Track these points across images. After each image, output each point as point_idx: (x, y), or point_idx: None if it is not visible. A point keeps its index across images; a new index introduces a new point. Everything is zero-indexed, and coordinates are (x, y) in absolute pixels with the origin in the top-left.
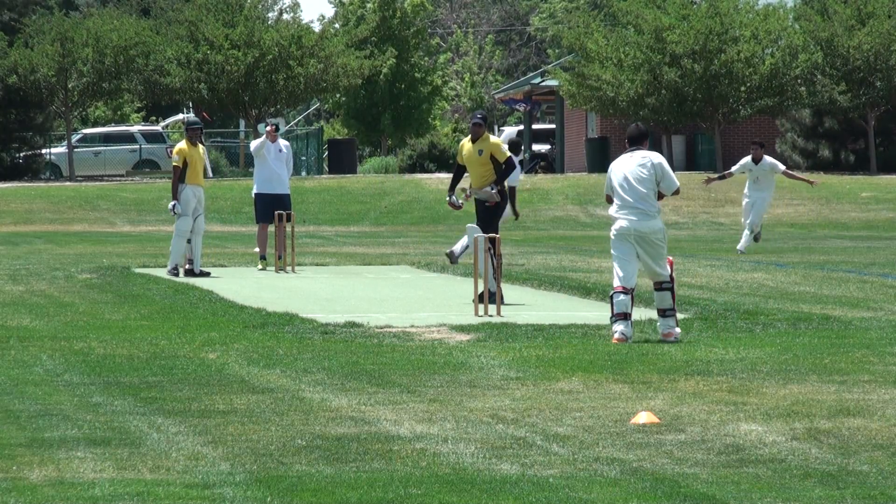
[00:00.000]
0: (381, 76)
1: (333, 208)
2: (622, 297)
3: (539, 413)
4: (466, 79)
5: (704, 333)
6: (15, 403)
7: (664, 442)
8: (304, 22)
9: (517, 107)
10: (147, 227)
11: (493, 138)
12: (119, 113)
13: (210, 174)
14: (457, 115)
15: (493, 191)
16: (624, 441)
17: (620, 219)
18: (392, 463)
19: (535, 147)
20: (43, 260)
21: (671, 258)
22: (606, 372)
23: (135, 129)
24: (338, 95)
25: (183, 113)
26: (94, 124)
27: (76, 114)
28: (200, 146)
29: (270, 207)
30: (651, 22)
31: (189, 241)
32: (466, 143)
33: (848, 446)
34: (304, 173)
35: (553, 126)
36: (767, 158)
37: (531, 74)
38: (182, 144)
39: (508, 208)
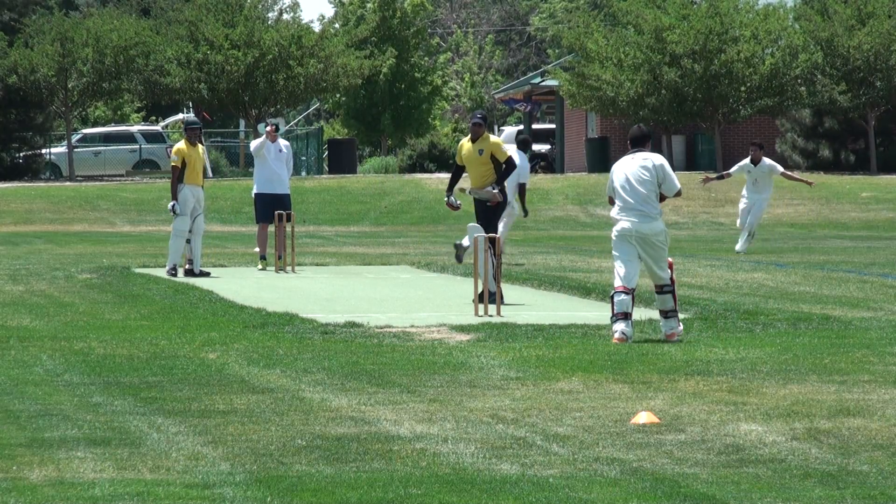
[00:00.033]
0: (381, 76)
1: (333, 208)
2: (623, 296)
3: (539, 413)
4: (466, 79)
5: (704, 333)
6: (15, 403)
7: (664, 442)
8: (304, 22)
9: (518, 107)
10: (147, 227)
11: (493, 138)
12: (119, 113)
13: (210, 174)
14: (457, 115)
15: (495, 190)
16: (624, 441)
17: (622, 220)
18: (392, 463)
19: (535, 147)
20: (43, 260)
21: (671, 260)
22: (606, 372)
23: (135, 129)
24: (338, 95)
25: (183, 113)
26: (94, 124)
27: (76, 114)
28: (200, 146)
29: (270, 207)
30: (651, 22)
31: (189, 241)
32: (466, 143)
33: (848, 446)
34: (304, 173)
35: (553, 126)
36: (766, 160)
37: (531, 74)
38: (181, 144)
39: (518, 207)
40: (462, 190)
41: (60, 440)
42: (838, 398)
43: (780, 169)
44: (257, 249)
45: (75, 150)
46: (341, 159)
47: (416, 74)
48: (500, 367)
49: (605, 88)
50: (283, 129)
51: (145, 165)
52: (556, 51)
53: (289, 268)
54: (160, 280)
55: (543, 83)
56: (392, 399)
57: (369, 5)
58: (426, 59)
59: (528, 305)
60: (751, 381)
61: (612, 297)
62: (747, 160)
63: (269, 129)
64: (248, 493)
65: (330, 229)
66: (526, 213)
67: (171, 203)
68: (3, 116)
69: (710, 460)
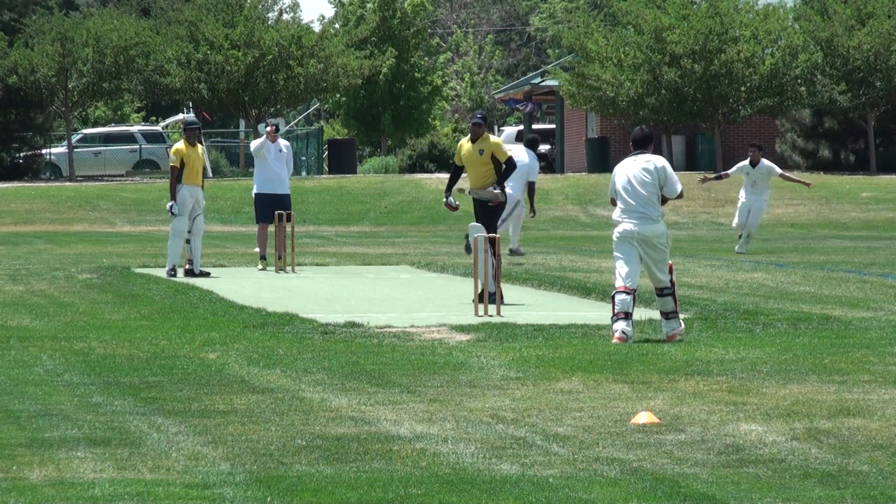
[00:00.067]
0: (381, 76)
1: (333, 208)
2: (624, 296)
3: (539, 413)
4: (466, 79)
5: (704, 333)
6: (15, 403)
7: (664, 442)
8: (304, 22)
9: (518, 107)
10: (147, 227)
11: (493, 138)
12: (119, 113)
13: (210, 174)
14: (457, 115)
15: (497, 190)
16: (624, 441)
17: (624, 222)
18: (392, 463)
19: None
20: (43, 260)
21: (671, 263)
22: (606, 372)
23: (135, 129)
24: (338, 95)
25: (183, 113)
26: (94, 124)
27: (76, 114)
28: (199, 146)
29: (270, 207)
30: (651, 22)
31: (188, 241)
32: (465, 144)
33: (848, 446)
34: (304, 173)
35: (553, 126)
36: (765, 161)
37: (531, 74)
38: (180, 145)
39: (526, 207)
40: (461, 190)
41: (60, 440)
42: (838, 398)
43: (779, 170)
44: (257, 249)
45: (75, 150)
46: (341, 159)
47: (416, 74)
48: (500, 367)
49: (605, 88)
50: (283, 129)
51: (145, 165)
52: (556, 51)
53: (289, 268)
54: (160, 280)
55: (543, 83)
56: (392, 399)
57: (369, 5)
58: (426, 59)
59: (528, 305)
60: (751, 381)
61: (613, 297)
62: (746, 162)
63: (269, 129)
64: (248, 493)
65: (330, 229)
66: (534, 213)
67: (170, 203)
68: (3, 116)
69: (710, 460)
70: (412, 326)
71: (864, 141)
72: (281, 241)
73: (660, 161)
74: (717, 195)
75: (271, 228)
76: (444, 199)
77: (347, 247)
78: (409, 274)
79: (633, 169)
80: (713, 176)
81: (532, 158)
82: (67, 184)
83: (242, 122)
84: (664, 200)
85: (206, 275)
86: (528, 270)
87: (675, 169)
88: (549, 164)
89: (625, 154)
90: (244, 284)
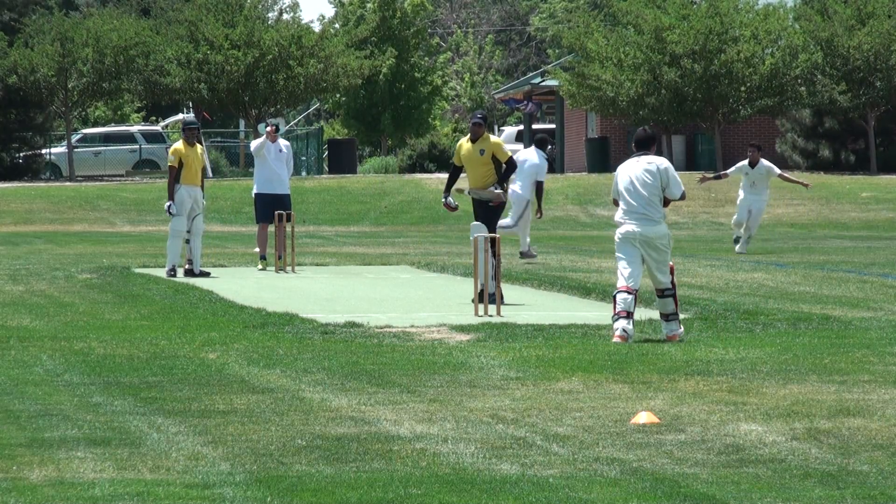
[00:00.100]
0: (381, 76)
1: (333, 208)
2: (626, 295)
3: (539, 413)
4: (466, 79)
5: (704, 333)
6: (15, 403)
7: (664, 442)
8: (304, 22)
9: (518, 107)
10: (147, 227)
11: (493, 138)
12: (119, 113)
13: (210, 174)
14: (457, 115)
15: (498, 191)
16: (624, 441)
17: (626, 224)
18: (392, 463)
19: None
20: (43, 260)
21: (672, 264)
22: (606, 372)
23: (135, 129)
24: (338, 95)
25: (183, 113)
26: (94, 124)
27: (76, 114)
28: (199, 146)
29: (270, 207)
30: (651, 22)
31: (188, 241)
32: (465, 144)
33: (848, 446)
34: (304, 173)
35: (553, 126)
36: (764, 161)
37: (531, 74)
38: (178, 144)
39: (532, 207)
40: (459, 191)
41: (60, 440)
42: (838, 398)
43: (778, 171)
44: (257, 249)
45: (75, 150)
46: (341, 159)
47: (416, 74)
48: (500, 367)
49: (605, 88)
50: (283, 129)
51: (145, 165)
52: (556, 51)
53: (289, 268)
54: (160, 280)
55: (543, 83)
56: (392, 399)
57: (369, 5)
58: (426, 59)
59: (528, 305)
60: (751, 381)
61: (614, 297)
62: (745, 162)
63: (269, 129)
64: (248, 493)
65: (330, 229)
66: (540, 214)
67: (167, 203)
68: (3, 116)
69: (710, 460)
70: (412, 326)
71: (865, 141)
72: (281, 241)
73: (663, 162)
74: (717, 195)
75: (271, 228)
76: (443, 200)
77: (347, 247)
78: (409, 274)
79: (636, 170)
80: (712, 175)
81: (541, 158)
82: (67, 184)
83: (242, 122)
84: (666, 202)
85: (206, 275)
86: (528, 270)
87: (675, 169)
88: (550, 165)
89: (625, 154)
90: (244, 284)
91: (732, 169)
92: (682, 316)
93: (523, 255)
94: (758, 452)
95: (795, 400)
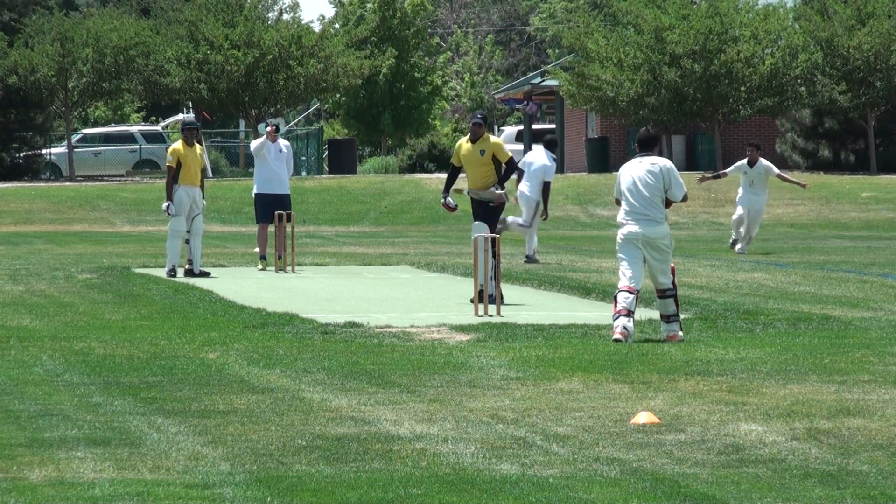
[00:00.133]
0: (381, 76)
1: (333, 208)
2: (627, 294)
3: (539, 413)
4: (466, 79)
5: (704, 333)
6: (15, 403)
7: (664, 442)
8: (304, 22)
9: (518, 107)
10: (147, 227)
11: (493, 138)
12: (119, 113)
13: (210, 174)
14: (457, 115)
15: (499, 191)
16: (624, 441)
17: (628, 224)
18: (392, 463)
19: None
20: (43, 260)
21: (673, 264)
22: (606, 372)
23: (135, 129)
24: (338, 95)
25: (183, 113)
26: (94, 124)
27: (76, 114)
28: (198, 146)
29: (270, 207)
30: (651, 22)
31: (188, 241)
32: (465, 144)
33: (848, 446)
34: (304, 173)
35: (553, 126)
36: (763, 161)
37: (531, 74)
38: (177, 145)
39: (535, 211)
40: (458, 191)
41: (60, 440)
42: (838, 398)
43: (776, 170)
44: (257, 249)
45: (75, 150)
46: (341, 159)
47: (416, 74)
48: (500, 367)
49: (605, 88)
50: (283, 129)
51: (145, 165)
52: (556, 51)
53: (289, 268)
54: (160, 280)
55: (543, 83)
56: (392, 399)
57: (369, 5)
58: (426, 59)
59: (528, 305)
60: (751, 381)
61: (615, 296)
62: (744, 161)
63: (269, 129)
64: (248, 493)
65: (330, 229)
66: (546, 215)
67: (166, 203)
68: (3, 116)
69: (710, 460)
70: (412, 326)
71: (865, 141)
72: (281, 241)
73: (665, 163)
74: (717, 195)
75: (271, 228)
76: (442, 200)
77: (347, 247)
78: (409, 274)
79: (639, 171)
80: (711, 175)
81: (550, 159)
82: (67, 184)
83: (242, 122)
84: (668, 203)
85: (206, 275)
86: (528, 270)
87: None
88: None
89: (625, 154)
90: (244, 284)
91: (731, 168)
92: (682, 316)
93: (529, 259)
94: (758, 452)
95: (795, 400)
